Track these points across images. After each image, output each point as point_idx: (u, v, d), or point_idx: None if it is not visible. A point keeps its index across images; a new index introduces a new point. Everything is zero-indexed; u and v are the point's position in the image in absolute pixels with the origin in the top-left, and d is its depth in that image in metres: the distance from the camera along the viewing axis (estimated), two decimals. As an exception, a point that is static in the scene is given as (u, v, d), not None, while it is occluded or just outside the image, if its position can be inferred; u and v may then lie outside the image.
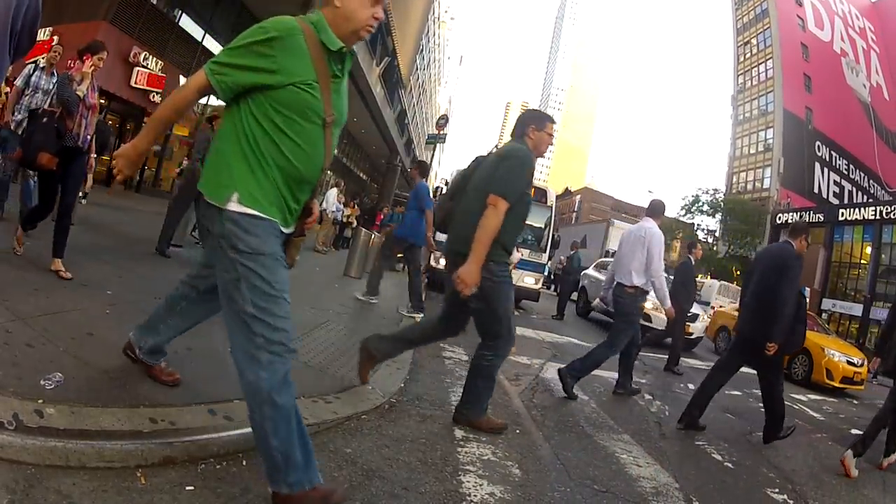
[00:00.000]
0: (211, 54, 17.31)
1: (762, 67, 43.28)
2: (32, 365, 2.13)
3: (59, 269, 3.60)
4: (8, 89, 7.40)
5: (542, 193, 11.64)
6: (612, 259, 15.42)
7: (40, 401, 1.88)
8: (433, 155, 24.06)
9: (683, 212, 38.72)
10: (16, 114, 5.12)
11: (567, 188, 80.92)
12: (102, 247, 5.20)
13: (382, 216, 15.60)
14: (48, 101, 5.18)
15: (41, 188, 4.20)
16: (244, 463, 2.03)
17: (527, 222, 11.56)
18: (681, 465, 3.31)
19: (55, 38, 12.70)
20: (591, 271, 13.07)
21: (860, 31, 45.05)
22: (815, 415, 6.47)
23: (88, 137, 4.17)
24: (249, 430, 2.15)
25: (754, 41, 44.72)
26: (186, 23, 15.98)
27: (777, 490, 3.28)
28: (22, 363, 2.13)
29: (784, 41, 41.18)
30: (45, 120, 3.92)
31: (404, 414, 3.08)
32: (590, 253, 20.70)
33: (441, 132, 20.28)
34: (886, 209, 28.48)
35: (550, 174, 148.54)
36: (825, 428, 5.74)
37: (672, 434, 4.05)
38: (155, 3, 14.44)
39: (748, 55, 45.34)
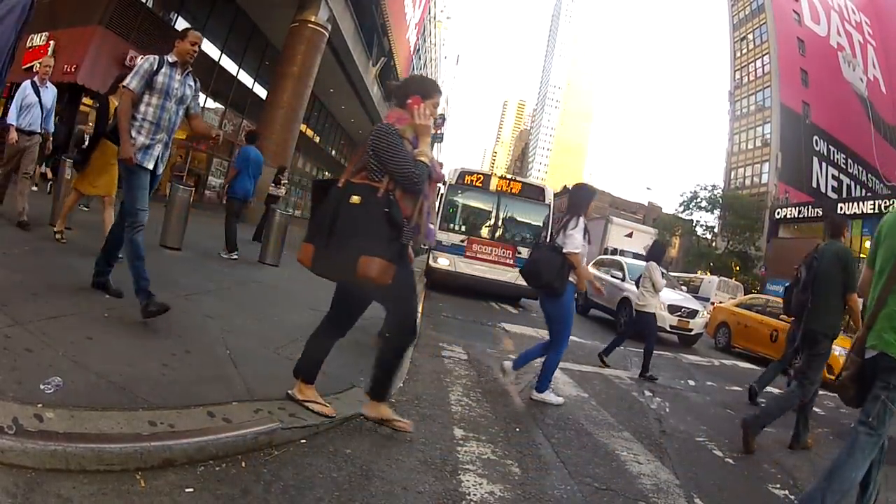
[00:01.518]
0: (207, 56, 17.32)
1: (759, 63, 43.28)
2: (32, 369, 2.14)
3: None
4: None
5: (539, 191, 11.65)
6: (611, 256, 15.38)
7: (40, 405, 1.89)
8: (431, 155, 24.00)
9: (682, 208, 38.68)
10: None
11: (565, 186, 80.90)
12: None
13: None
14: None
15: None
16: (243, 465, 2.03)
17: (525, 220, 11.42)
18: (681, 462, 3.31)
19: (51, 42, 12.72)
20: (590, 269, 13.08)
21: (856, 25, 45.04)
22: (816, 409, 6.46)
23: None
24: (248, 431, 2.17)
25: (750, 36, 44.72)
26: (182, 26, 15.95)
27: (778, 486, 3.28)
28: (21, 368, 2.13)
29: (780, 36, 41.17)
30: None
31: (404, 414, 3.07)
32: (589, 250, 20.73)
33: (438, 132, 20.28)
34: (885, 203, 28.45)
35: (548, 172, 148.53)
36: (826, 423, 5.74)
37: (672, 431, 4.05)
38: (150, 6, 14.44)
39: (745, 51, 45.34)
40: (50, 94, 5.82)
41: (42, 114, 5.65)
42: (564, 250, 4.00)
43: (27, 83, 5.64)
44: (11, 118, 5.49)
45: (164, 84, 3.44)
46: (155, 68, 3.42)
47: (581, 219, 4.10)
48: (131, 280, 3.33)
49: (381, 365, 2.70)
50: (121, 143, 3.35)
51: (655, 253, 6.65)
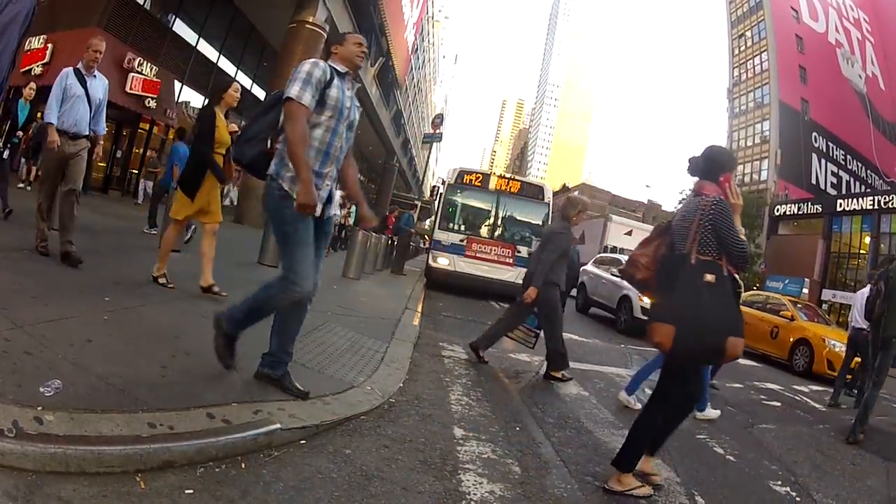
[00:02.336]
0: (204, 58, 17.32)
1: (757, 60, 43.30)
2: (31, 372, 2.14)
3: None
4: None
5: (538, 190, 11.65)
6: (611, 254, 15.34)
7: (40, 407, 1.89)
8: (429, 154, 24.03)
9: (681, 206, 38.71)
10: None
11: (564, 184, 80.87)
12: (100, 252, 5.19)
13: (394, 220, 15.39)
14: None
15: None
16: (243, 466, 2.04)
17: (524, 219, 11.49)
18: (682, 460, 3.31)
19: (49, 45, 12.72)
20: (590, 267, 13.05)
21: (855, 22, 45.04)
22: (816, 405, 6.48)
23: None
24: (248, 433, 2.17)
25: (749, 34, 44.73)
26: (180, 27, 15.99)
27: (780, 482, 3.28)
28: (21, 370, 2.13)
29: (778, 33, 41.18)
30: None
31: (403, 414, 3.08)
32: (588, 249, 20.69)
33: (437, 131, 20.27)
34: (884, 199, 28.48)
35: (548, 171, 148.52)
36: (827, 419, 5.74)
37: (673, 428, 4.05)
38: (148, 9, 14.44)
39: (743, 48, 45.35)
40: (100, 85, 4.64)
41: (90, 111, 4.52)
42: None
43: (69, 71, 4.46)
44: (50, 115, 4.30)
45: (337, 100, 2.63)
46: (328, 77, 2.60)
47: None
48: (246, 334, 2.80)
49: (650, 431, 2.65)
50: (301, 182, 2.45)
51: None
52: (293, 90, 2.49)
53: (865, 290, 6.28)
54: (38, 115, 7.23)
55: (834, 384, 6.94)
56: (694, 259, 2.45)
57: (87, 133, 4.51)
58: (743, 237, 2.51)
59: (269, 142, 2.65)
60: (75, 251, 4.22)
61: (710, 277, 2.40)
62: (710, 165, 2.69)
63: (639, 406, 4.15)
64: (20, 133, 6.92)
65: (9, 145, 6.78)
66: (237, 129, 4.71)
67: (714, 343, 2.38)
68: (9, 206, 6.03)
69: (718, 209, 2.49)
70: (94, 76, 4.59)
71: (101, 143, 4.83)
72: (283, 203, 2.56)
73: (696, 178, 2.74)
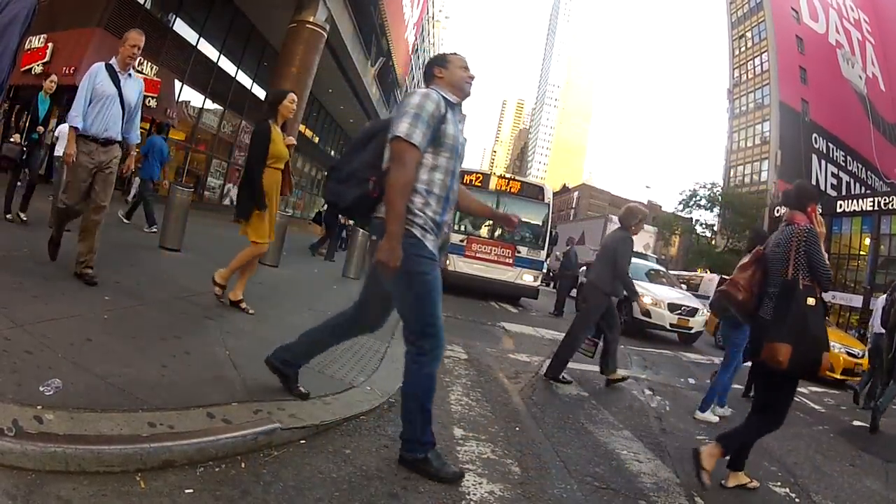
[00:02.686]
0: (205, 58, 17.32)
1: (758, 61, 43.30)
2: (31, 371, 2.14)
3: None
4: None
5: (538, 190, 11.66)
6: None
7: (39, 407, 1.89)
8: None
9: (681, 206, 38.72)
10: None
11: (564, 185, 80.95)
12: (100, 251, 5.19)
13: None
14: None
15: None
16: (243, 466, 2.04)
17: (524, 220, 11.48)
18: (682, 461, 3.31)
19: (50, 44, 12.72)
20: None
21: (855, 23, 45.03)
22: (816, 407, 6.48)
23: None
24: (248, 432, 2.17)
25: (749, 34, 44.73)
26: (180, 27, 15.98)
27: (779, 483, 3.28)
28: (21, 370, 2.13)
29: (779, 34, 41.17)
30: None
31: (404, 414, 3.08)
32: (588, 249, 20.72)
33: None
34: (884, 200, 28.49)
35: (548, 171, 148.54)
36: (827, 420, 5.74)
37: (672, 429, 4.05)
38: (149, 8, 14.44)
39: (743, 48, 45.35)
40: (135, 87, 4.02)
41: (123, 115, 3.92)
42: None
43: (100, 66, 3.85)
44: (74, 118, 3.71)
45: (454, 138, 2.31)
46: (442, 111, 2.25)
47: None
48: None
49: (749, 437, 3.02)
50: (388, 236, 2.16)
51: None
52: (402, 127, 2.18)
53: (882, 299, 6.74)
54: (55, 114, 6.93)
55: (858, 388, 7.19)
56: (801, 284, 2.80)
57: (119, 139, 3.97)
58: (827, 261, 2.89)
59: (371, 183, 2.30)
60: (92, 274, 3.80)
61: (811, 300, 2.77)
62: (801, 197, 3.04)
63: (716, 419, 4.49)
64: (40, 128, 6.36)
65: (27, 142, 6.37)
66: (294, 142, 4.58)
67: (818, 358, 2.75)
68: (27, 216, 5.84)
69: (811, 238, 2.84)
70: (129, 75, 3.97)
71: (135, 153, 4.24)
72: (411, 250, 2.23)
73: (787, 209, 3.12)
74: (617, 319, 5.27)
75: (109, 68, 3.84)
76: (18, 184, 6.20)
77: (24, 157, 6.22)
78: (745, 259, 3.20)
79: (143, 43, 3.93)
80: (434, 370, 2.33)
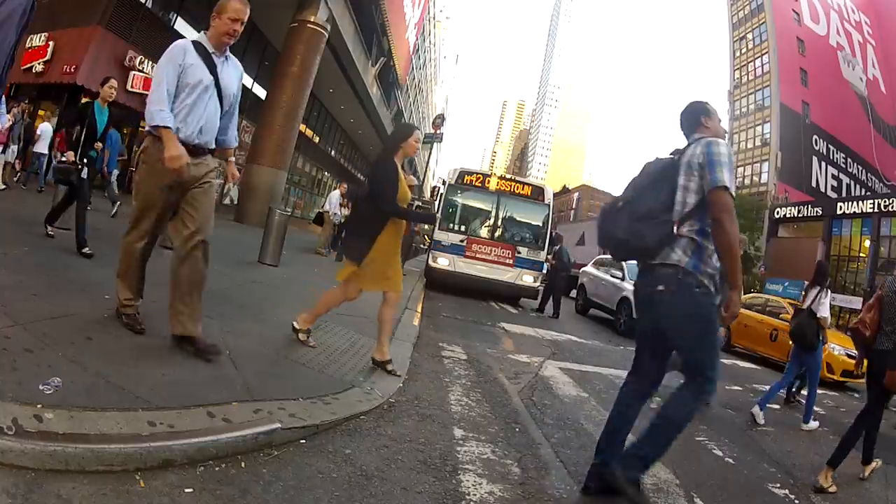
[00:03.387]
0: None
1: (758, 62, 43.29)
2: (31, 370, 2.14)
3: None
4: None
5: (539, 191, 11.65)
6: (610, 257, 15.32)
7: (39, 405, 1.89)
8: (430, 154, 24.02)
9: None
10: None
11: (565, 186, 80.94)
12: (100, 251, 5.19)
13: None
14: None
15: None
16: (243, 465, 2.03)
17: (525, 220, 11.50)
18: (681, 462, 3.31)
19: (50, 43, 12.72)
20: (590, 269, 13.06)
21: (856, 25, 45.05)
22: (816, 409, 6.46)
23: None
24: (248, 432, 2.17)
25: (750, 36, 44.73)
26: (181, 26, 15.99)
27: (779, 485, 3.28)
28: (21, 368, 2.13)
29: (780, 36, 41.17)
30: None
31: (403, 414, 3.08)
32: (589, 250, 20.69)
33: (438, 131, 20.27)
34: (884, 202, 28.48)
35: (548, 172, 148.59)
36: (826, 422, 5.73)
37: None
38: (150, 7, 14.44)
39: (744, 50, 45.35)
40: (235, 74, 3.08)
41: (221, 111, 2.97)
42: (819, 315, 5.14)
43: (185, 44, 2.87)
44: (161, 115, 2.71)
45: None
46: None
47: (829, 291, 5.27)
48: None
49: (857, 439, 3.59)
50: (734, 290, 2.33)
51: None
52: (726, 177, 2.30)
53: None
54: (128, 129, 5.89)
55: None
56: None
57: (213, 147, 3.01)
58: None
59: (675, 226, 2.39)
60: (207, 341, 2.89)
61: None
62: None
63: (817, 426, 5.10)
64: (98, 144, 5.29)
65: (84, 160, 5.17)
66: (415, 182, 4.30)
67: None
68: (87, 245, 4.86)
69: None
70: (227, 58, 3.01)
71: (233, 158, 3.31)
72: (705, 300, 2.36)
73: None
74: None
75: (199, 48, 2.87)
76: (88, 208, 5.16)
77: (79, 177, 5.15)
78: (871, 300, 3.76)
79: (246, 17, 2.99)
80: (693, 413, 2.46)
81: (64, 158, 5.09)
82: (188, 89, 2.82)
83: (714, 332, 2.44)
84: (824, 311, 5.12)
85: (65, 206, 5.37)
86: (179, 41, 2.90)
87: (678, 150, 2.53)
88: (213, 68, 2.89)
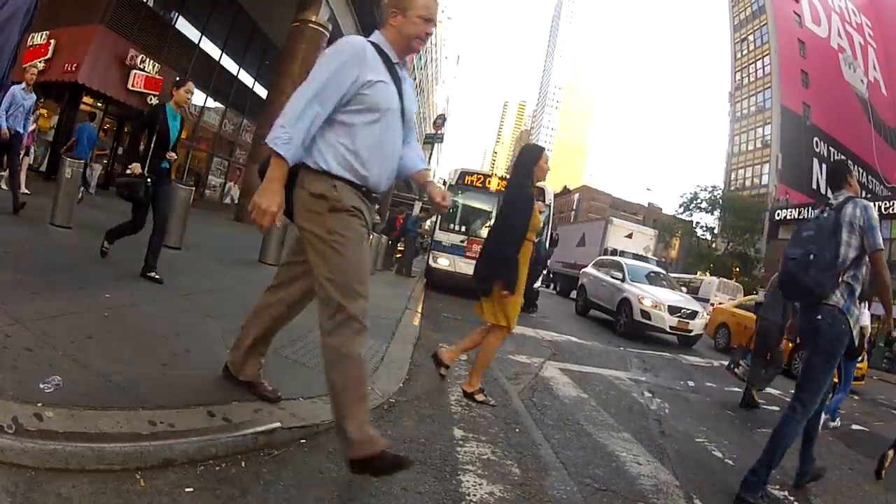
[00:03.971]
0: (207, 56, 17.33)
1: (759, 64, 43.33)
2: (32, 368, 2.14)
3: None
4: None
5: (539, 192, 11.64)
6: (611, 257, 15.31)
7: (39, 404, 1.88)
8: (430, 154, 24.02)
9: (682, 209, 38.69)
10: None
11: (565, 186, 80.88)
12: (99, 251, 5.19)
13: (401, 221, 15.25)
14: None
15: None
16: (243, 465, 2.03)
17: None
18: (681, 463, 3.31)
19: (52, 41, 12.73)
20: (590, 269, 13.06)
21: (857, 27, 45.07)
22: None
23: None
24: (248, 431, 2.17)
25: (751, 38, 44.77)
26: (183, 25, 15.99)
27: (778, 487, 3.28)
28: (21, 367, 2.13)
29: (781, 37, 41.21)
30: None
31: (403, 414, 3.08)
32: (589, 251, 20.68)
33: (438, 132, 20.27)
34: (885, 204, 28.49)
35: (549, 173, 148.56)
36: (826, 423, 5.73)
37: (672, 432, 4.05)
38: (151, 6, 14.44)
39: (745, 52, 45.39)
40: (412, 89, 2.34)
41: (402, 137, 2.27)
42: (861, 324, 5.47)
43: (362, 46, 2.11)
44: (280, 135, 1.93)
45: None
46: None
47: None
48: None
49: None
50: (888, 312, 3.13)
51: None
52: (881, 240, 2.95)
53: None
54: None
55: None
56: None
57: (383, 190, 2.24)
58: None
59: (838, 278, 2.95)
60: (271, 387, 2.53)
61: None
62: None
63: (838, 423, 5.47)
64: (171, 154, 4.59)
65: (152, 175, 4.46)
66: (544, 209, 4.22)
67: None
68: (156, 271, 4.40)
69: None
70: (403, 67, 2.24)
71: (434, 178, 2.69)
72: (843, 338, 2.92)
73: None
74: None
75: (383, 55, 2.12)
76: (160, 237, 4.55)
77: (146, 192, 4.43)
78: None
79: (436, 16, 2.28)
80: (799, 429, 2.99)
81: (129, 171, 4.36)
82: (372, 114, 2.04)
83: (833, 365, 2.99)
84: (865, 320, 5.26)
85: (134, 228, 4.63)
86: (355, 38, 2.13)
87: (832, 205, 3.15)
88: (398, 84, 2.13)
